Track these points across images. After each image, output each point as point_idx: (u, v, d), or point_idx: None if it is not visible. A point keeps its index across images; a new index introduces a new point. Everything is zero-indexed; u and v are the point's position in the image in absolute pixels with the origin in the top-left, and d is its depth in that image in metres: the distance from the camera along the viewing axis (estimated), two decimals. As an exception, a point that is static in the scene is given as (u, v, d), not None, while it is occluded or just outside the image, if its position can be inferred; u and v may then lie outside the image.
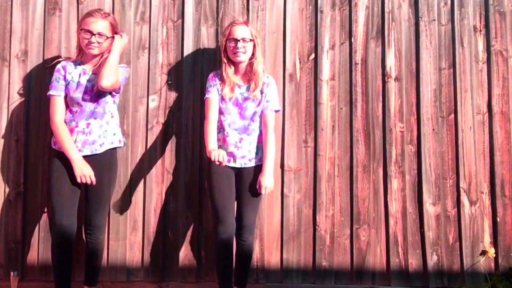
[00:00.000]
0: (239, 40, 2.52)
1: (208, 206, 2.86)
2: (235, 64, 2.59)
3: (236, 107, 2.57)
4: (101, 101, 2.56)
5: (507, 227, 2.90)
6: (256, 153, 2.59)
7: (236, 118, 2.57)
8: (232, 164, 2.56)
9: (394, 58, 2.95)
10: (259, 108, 2.59)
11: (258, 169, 2.57)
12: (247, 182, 2.56)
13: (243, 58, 2.55)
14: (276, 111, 2.64)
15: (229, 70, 2.57)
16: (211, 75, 2.66)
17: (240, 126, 2.57)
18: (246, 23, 2.61)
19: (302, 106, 2.91)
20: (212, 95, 2.58)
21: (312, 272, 2.87)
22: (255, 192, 2.55)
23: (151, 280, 2.86)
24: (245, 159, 2.57)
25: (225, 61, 2.58)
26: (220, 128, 2.59)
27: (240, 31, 2.54)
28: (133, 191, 2.87)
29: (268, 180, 2.53)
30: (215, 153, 2.39)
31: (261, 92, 2.58)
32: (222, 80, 2.59)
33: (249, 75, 2.59)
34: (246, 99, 2.58)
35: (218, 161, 2.38)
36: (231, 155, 2.55)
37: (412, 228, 2.89)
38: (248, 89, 2.59)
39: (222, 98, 2.57)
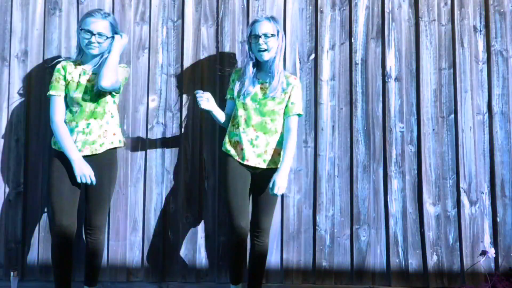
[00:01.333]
0: (260, 36, 2.48)
1: (208, 206, 2.87)
2: (258, 61, 2.56)
3: (254, 103, 2.55)
4: (101, 101, 2.56)
5: (507, 227, 2.90)
6: (273, 156, 2.55)
7: (252, 113, 2.54)
8: (245, 162, 2.53)
9: (394, 58, 2.95)
10: (279, 107, 2.55)
11: (274, 172, 2.53)
12: (264, 185, 2.52)
13: (266, 57, 2.51)
14: (299, 116, 2.61)
15: (251, 68, 2.55)
16: (233, 72, 2.69)
17: (256, 122, 2.54)
18: (270, 18, 2.54)
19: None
20: (229, 96, 2.66)
21: (312, 272, 2.87)
22: (273, 195, 2.53)
23: (151, 280, 2.86)
24: (260, 159, 2.53)
25: (249, 58, 2.56)
26: (237, 125, 2.57)
27: (262, 27, 2.50)
28: (133, 191, 2.87)
29: (283, 180, 2.46)
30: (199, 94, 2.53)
31: (283, 91, 2.55)
32: (244, 77, 2.57)
33: (271, 71, 2.54)
34: (266, 95, 2.54)
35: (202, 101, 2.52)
36: (246, 153, 2.53)
37: (412, 228, 2.89)
38: (269, 85, 2.55)
39: (243, 94, 2.55)
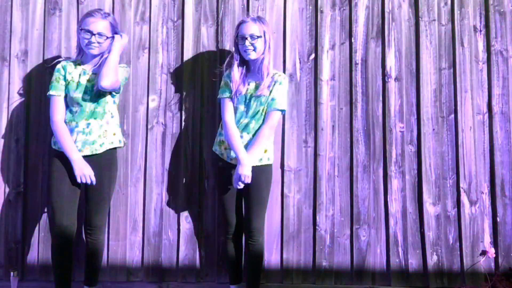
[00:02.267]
0: (247, 38, 2.50)
1: (208, 206, 2.87)
2: (246, 61, 2.58)
3: (242, 104, 2.56)
4: (101, 101, 2.56)
5: (507, 227, 2.90)
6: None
7: (239, 115, 2.56)
8: (231, 161, 2.55)
9: (394, 58, 2.94)
10: (262, 108, 2.55)
11: (260, 170, 2.53)
12: (250, 185, 2.51)
13: (252, 56, 2.53)
14: (282, 112, 2.57)
15: (237, 69, 2.57)
16: (225, 72, 2.66)
17: (242, 123, 2.56)
18: (256, 19, 2.55)
19: (302, 106, 2.91)
20: (226, 95, 2.59)
21: (312, 272, 2.87)
22: (260, 193, 2.54)
23: (151, 280, 2.86)
24: None
25: (237, 58, 2.57)
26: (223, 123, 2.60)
27: (248, 28, 2.52)
28: (133, 191, 2.87)
29: (246, 169, 2.44)
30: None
31: (268, 88, 2.54)
32: (233, 78, 2.57)
33: (260, 73, 2.55)
34: (252, 96, 2.55)
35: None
36: (230, 152, 2.55)
37: (412, 228, 2.89)
38: (257, 86, 2.55)
39: (235, 96, 2.56)
